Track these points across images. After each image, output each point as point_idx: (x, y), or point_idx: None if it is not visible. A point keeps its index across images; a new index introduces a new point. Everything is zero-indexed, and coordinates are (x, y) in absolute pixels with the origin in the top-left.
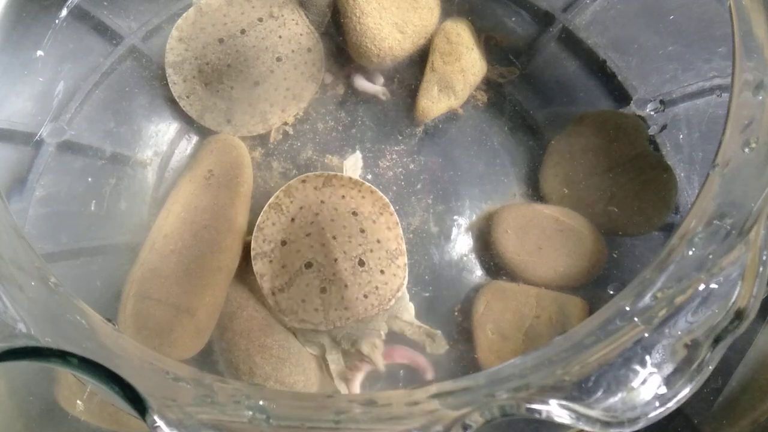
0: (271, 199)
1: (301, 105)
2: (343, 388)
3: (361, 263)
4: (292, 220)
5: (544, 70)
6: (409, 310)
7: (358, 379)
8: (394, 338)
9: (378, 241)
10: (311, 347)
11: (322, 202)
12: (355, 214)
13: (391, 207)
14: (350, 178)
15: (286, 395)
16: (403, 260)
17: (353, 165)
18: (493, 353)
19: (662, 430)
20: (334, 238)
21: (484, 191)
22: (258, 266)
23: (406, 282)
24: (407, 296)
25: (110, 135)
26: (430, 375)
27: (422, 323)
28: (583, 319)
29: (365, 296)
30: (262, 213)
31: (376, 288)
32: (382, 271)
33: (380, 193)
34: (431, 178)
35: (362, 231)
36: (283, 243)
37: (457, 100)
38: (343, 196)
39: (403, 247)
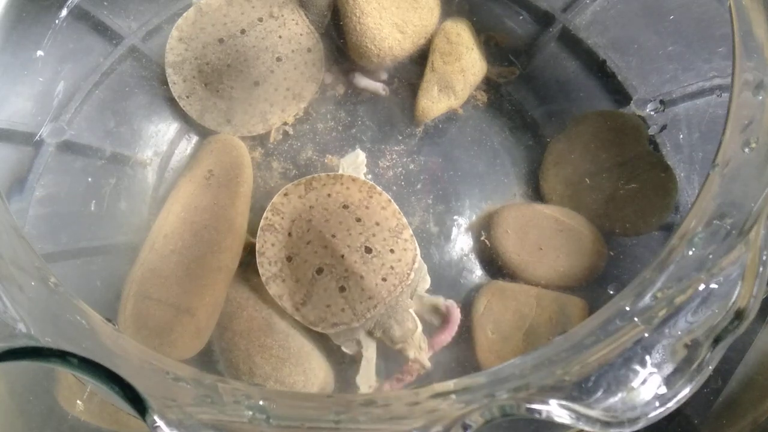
0: (262, 222)
1: (301, 105)
2: (370, 384)
3: (368, 250)
4: (289, 234)
5: (544, 70)
6: (425, 283)
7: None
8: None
9: (377, 224)
10: (347, 346)
11: (311, 207)
12: (346, 206)
13: (378, 188)
14: (328, 175)
15: (286, 395)
16: (408, 232)
17: (353, 163)
18: (493, 353)
19: (662, 430)
20: (333, 236)
21: (484, 191)
22: (273, 289)
23: (418, 252)
24: (425, 267)
25: (110, 135)
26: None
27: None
28: (583, 319)
29: (384, 279)
30: (257, 238)
31: (392, 268)
32: (391, 250)
33: (362, 179)
34: (431, 178)
35: (358, 220)
36: (289, 259)
37: (457, 100)
38: (329, 194)
39: (404, 220)
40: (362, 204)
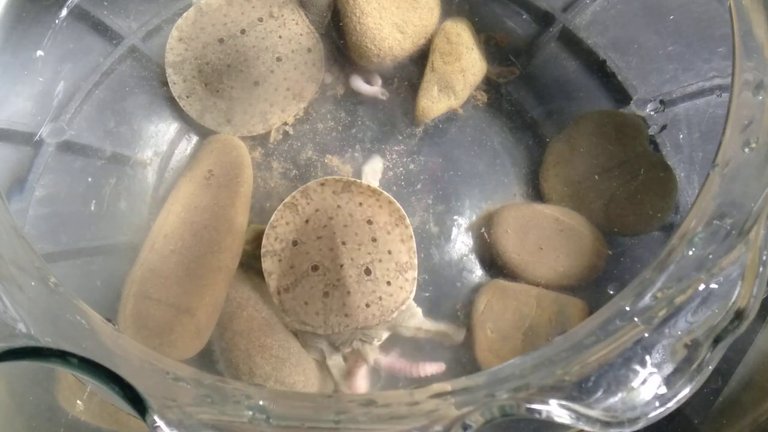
0: (287, 199)
1: (301, 105)
2: (347, 389)
3: (368, 272)
4: (306, 221)
5: (544, 70)
6: (416, 316)
7: (361, 374)
8: (408, 344)
9: (389, 252)
10: (312, 352)
11: (339, 207)
12: (370, 222)
13: (408, 220)
14: (369, 186)
15: (286, 395)
16: (413, 275)
17: (372, 169)
18: (492, 352)
19: (662, 430)
20: (343, 243)
21: (484, 191)
22: (267, 264)
23: (412, 296)
24: (413, 305)
25: (110, 135)
26: (436, 369)
27: (432, 322)
28: (583, 320)
29: (367, 305)
30: (276, 211)
31: (380, 298)
32: (388, 282)
33: (398, 205)
34: (431, 178)
35: (374, 240)
36: (294, 243)
37: (457, 100)
38: (361, 204)
39: (415, 261)
40: (386, 227)
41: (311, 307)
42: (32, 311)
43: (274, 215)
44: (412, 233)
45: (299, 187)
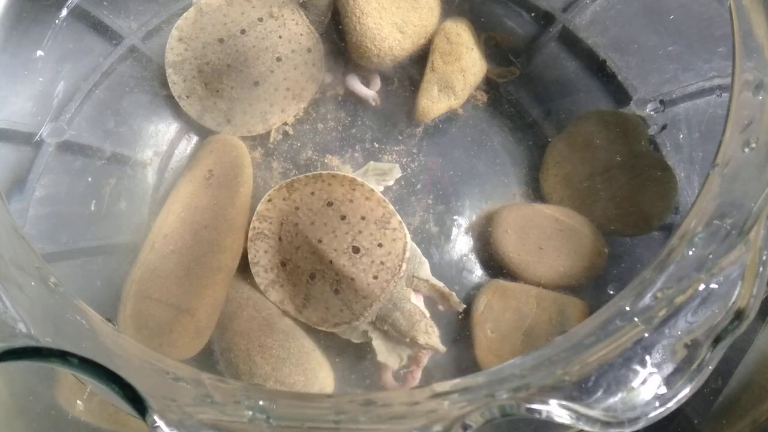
0: (250, 233)
1: (301, 105)
2: (393, 365)
3: (356, 250)
4: (280, 239)
5: (544, 70)
6: (424, 267)
7: (421, 368)
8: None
9: (363, 218)
10: (355, 337)
11: (297, 208)
12: (330, 204)
13: (359, 179)
14: (307, 175)
15: (286, 395)
16: (396, 219)
17: (381, 169)
18: (491, 352)
19: (662, 430)
20: (320, 241)
21: (484, 191)
22: (273, 296)
23: (409, 239)
24: (419, 251)
25: (110, 135)
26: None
27: (437, 281)
28: (583, 320)
29: (375, 277)
30: (248, 249)
31: (382, 263)
32: (380, 245)
33: (342, 173)
34: (431, 178)
35: (343, 218)
36: (283, 264)
37: (457, 100)
38: (312, 192)
39: (390, 207)
40: (346, 198)
41: (333, 308)
42: (32, 311)
43: (249, 253)
44: (371, 186)
45: (252, 217)
